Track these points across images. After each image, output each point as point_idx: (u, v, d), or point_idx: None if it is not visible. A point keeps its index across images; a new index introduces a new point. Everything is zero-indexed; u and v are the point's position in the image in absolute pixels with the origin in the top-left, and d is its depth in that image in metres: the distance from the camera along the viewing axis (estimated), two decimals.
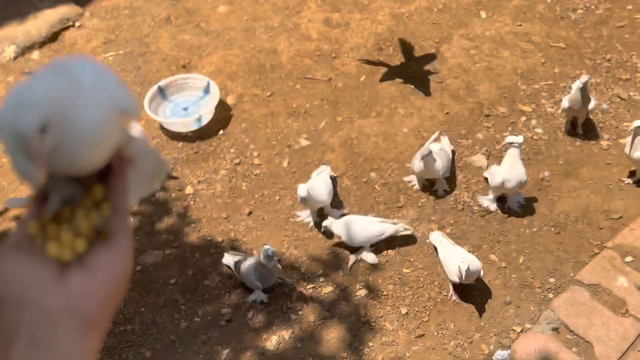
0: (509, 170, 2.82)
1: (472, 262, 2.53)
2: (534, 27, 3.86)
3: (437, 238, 2.76)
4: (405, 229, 2.83)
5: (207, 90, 3.49)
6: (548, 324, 2.52)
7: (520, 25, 3.88)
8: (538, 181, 3.08)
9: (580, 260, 2.77)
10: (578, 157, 3.18)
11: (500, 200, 2.99)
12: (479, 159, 3.19)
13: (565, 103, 3.14)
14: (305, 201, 2.80)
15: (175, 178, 3.17)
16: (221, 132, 3.38)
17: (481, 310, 2.63)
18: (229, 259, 2.76)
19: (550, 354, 2.41)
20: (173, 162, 3.24)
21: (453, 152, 3.16)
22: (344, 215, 2.94)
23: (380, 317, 2.64)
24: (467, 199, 3.03)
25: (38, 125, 0.57)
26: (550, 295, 2.65)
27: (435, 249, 2.77)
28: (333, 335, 2.60)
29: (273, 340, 2.58)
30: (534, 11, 3.97)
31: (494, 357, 2.45)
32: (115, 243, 0.62)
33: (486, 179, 3.05)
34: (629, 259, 2.70)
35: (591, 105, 3.15)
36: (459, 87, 3.54)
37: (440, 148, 3.03)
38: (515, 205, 2.96)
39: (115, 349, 2.57)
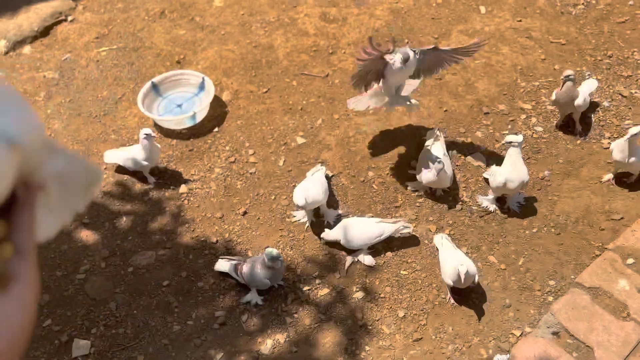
0: (510, 171, 2.76)
1: (469, 266, 2.48)
2: (534, 23, 3.80)
3: (440, 240, 2.71)
4: (405, 227, 2.77)
5: (202, 87, 3.42)
6: (548, 328, 2.47)
7: (520, 20, 3.82)
8: (538, 180, 3.03)
9: (581, 262, 2.72)
10: (578, 156, 3.13)
11: (500, 200, 2.93)
12: (478, 158, 3.13)
13: (553, 96, 3.11)
14: (303, 207, 2.74)
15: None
16: (216, 129, 3.32)
17: (480, 314, 2.58)
18: (223, 265, 2.70)
19: (550, 359, 2.37)
20: (167, 159, 3.18)
21: (449, 152, 3.09)
22: (339, 215, 2.89)
23: (377, 320, 2.59)
24: (465, 199, 2.97)
25: None
26: (550, 299, 2.61)
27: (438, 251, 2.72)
28: (329, 339, 2.55)
29: (268, 344, 2.53)
30: (534, 6, 3.91)
31: None
32: (13, 292, 0.54)
33: (486, 179, 2.99)
34: (630, 261, 2.65)
35: (579, 102, 3.08)
36: (457, 83, 3.48)
37: (444, 153, 2.96)
38: (515, 205, 2.91)
39: (107, 353, 2.52)
